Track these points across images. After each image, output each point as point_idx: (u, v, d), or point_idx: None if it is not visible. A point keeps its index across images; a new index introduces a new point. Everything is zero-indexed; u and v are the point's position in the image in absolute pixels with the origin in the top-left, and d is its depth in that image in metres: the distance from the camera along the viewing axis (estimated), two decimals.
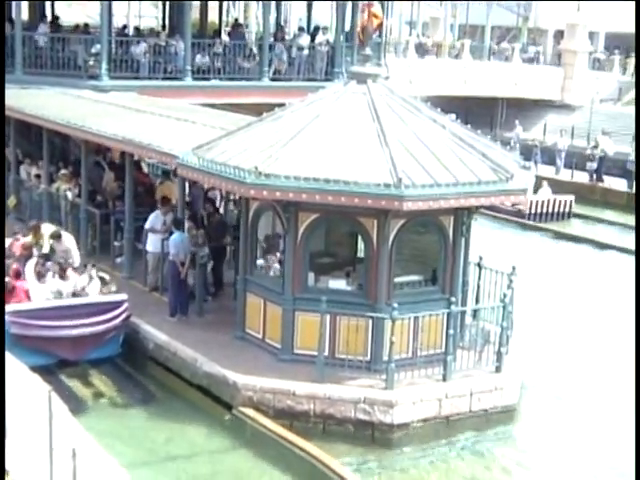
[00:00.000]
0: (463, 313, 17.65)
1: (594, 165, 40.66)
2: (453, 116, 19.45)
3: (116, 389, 17.18)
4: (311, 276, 16.78)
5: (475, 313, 18.24)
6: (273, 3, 34.78)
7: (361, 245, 17.37)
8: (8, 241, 19.58)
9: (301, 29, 33.75)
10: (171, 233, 19.13)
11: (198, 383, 16.79)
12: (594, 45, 59.47)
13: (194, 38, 29.98)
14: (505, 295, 17.09)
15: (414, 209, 15.57)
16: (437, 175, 15.71)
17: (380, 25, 18.94)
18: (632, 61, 55.98)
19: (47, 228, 20.79)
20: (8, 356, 12.75)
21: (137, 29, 35.92)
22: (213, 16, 39.29)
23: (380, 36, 31.31)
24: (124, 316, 17.94)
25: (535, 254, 29.19)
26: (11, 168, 26.22)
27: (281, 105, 18.33)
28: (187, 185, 22.17)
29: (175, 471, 14.56)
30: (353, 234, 17.86)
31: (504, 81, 50.08)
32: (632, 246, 29.94)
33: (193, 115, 22.81)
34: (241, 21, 48.55)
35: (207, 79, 29.68)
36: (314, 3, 37.75)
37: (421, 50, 52.99)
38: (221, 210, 22.85)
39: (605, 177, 40.67)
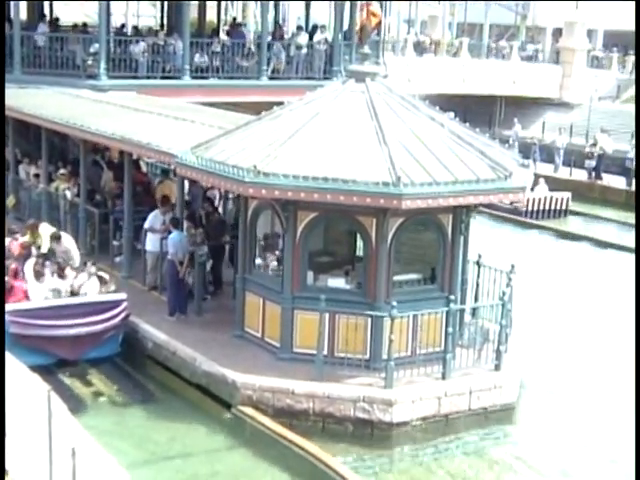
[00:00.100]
0: (462, 311, 17.66)
1: (593, 163, 40.65)
2: (451, 114, 19.47)
3: (115, 388, 17.18)
4: (310, 275, 16.79)
5: (474, 311, 18.24)
6: (271, 2, 34.76)
7: (360, 244, 17.36)
8: (7, 241, 19.56)
9: (299, 28, 33.74)
10: (170, 232, 19.12)
11: (197, 382, 16.79)
12: (592, 43, 59.44)
13: (192, 37, 29.96)
14: (504, 293, 17.10)
15: (413, 207, 15.57)
16: (436, 173, 15.71)
17: (379, 24, 19.00)
18: (631, 59, 55.98)
19: (45, 228, 20.79)
20: (7, 356, 12.75)
21: (135, 28, 35.89)
22: (211, 15, 39.28)
23: (378, 34, 31.39)
24: (123, 315, 17.94)
25: (532, 252, 29.15)
26: (10, 168, 26.21)
27: (280, 104, 18.33)
28: (187, 184, 22.20)
29: (174, 470, 14.56)
30: (352, 233, 17.86)
31: (502, 79, 50.07)
32: (630, 244, 29.97)
33: (192, 114, 22.81)
34: (239, 20, 48.50)
35: (205, 78, 29.67)
36: (312, 2, 37.73)
37: (419, 48, 53.00)
38: (220, 209, 22.84)
39: (604, 175, 40.65)
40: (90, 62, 28.55)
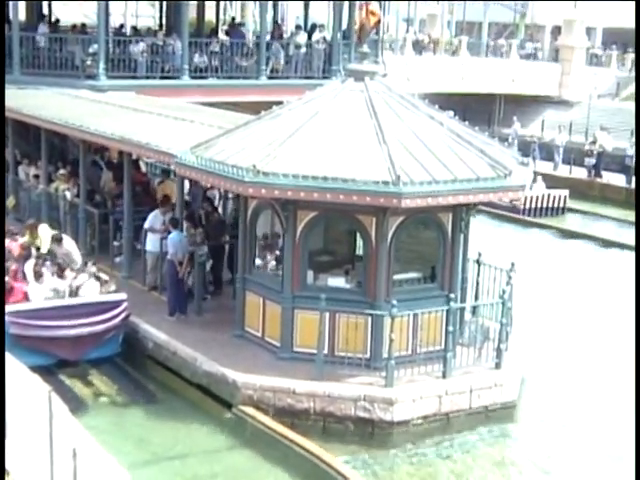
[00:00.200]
0: (462, 310, 17.65)
1: (592, 161, 40.65)
2: (451, 113, 19.45)
3: (116, 389, 17.18)
4: (310, 274, 16.78)
5: (474, 310, 18.22)
6: (270, 2, 34.76)
7: (360, 243, 17.36)
8: (6, 241, 19.55)
9: (298, 27, 33.74)
10: (169, 232, 19.12)
11: (198, 382, 16.79)
12: (592, 41, 59.45)
13: (191, 37, 29.96)
14: (504, 291, 17.10)
15: (412, 206, 15.58)
16: (435, 172, 15.71)
17: (377, 22, 19.01)
18: (630, 56, 56.02)
19: (44, 229, 20.79)
20: (8, 356, 12.75)
21: (134, 28, 35.89)
22: (210, 15, 39.26)
23: (377, 33, 31.39)
24: (123, 315, 17.94)
25: (530, 250, 29.14)
26: (9, 168, 26.20)
27: (279, 103, 18.32)
28: (188, 184, 22.21)
29: (175, 470, 14.56)
30: (352, 232, 17.86)
31: (502, 78, 50.09)
32: (629, 241, 29.99)
33: (191, 114, 22.82)
34: (238, 20, 48.49)
35: (205, 78, 29.68)
36: (311, 2, 37.74)
37: (418, 47, 53.00)
38: (220, 209, 22.83)
39: (603, 173, 40.66)
40: (89, 62, 28.57)
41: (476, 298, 18.68)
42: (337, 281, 16.87)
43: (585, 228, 33.68)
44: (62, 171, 24.50)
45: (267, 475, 14.52)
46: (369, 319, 16.19)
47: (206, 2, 37.47)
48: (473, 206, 17.00)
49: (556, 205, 35.76)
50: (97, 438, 11.90)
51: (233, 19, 45.15)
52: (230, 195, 22.32)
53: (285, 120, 17.07)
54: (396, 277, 16.55)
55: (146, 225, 20.25)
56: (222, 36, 33.42)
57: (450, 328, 16.18)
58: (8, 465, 11.49)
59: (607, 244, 31.31)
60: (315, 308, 15.96)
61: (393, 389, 15.71)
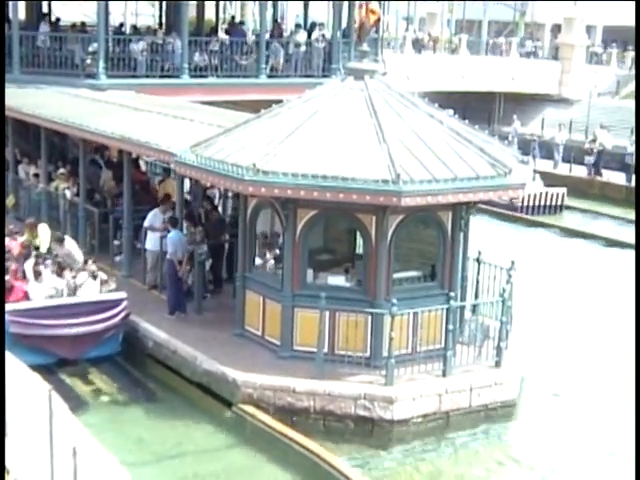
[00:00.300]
0: (462, 308, 17.66)
1: (592, 159, 40.63)
2: (451, 111, 19.45)
3: (116, 387, 17.19)
4: (310, 272, 16.79)
5: (474, 308, 18.24)
6: (270, 1, 34.75)
7: (360, 241, 17.36)
8: (6, 240, 19.55)
9: (298, 26, 33.73)
10: (169, 231, 19.11)
11: (198, 381, 16.79)
12: (591, 39, 59.44)
13: (191, 36, 29.94)
14: (504, 290, 17.10)
15: (412, 205, 15.59)
16: (435, 171, 15.71)
17: (377, 21, 18.91)
18: (630, 54, 55.99)
19: (44, 228, 20.80)
20: (8, 355, 12.75)
21: (134, 27, 35.88)
22: (210, 14, 39.25)
23: (377, 32, 31.32)
24: (123, 314, 17.95)
25: (528, 247, 29.11)
26: (9, 167, 26.20)
27: (279, 102, 18.33)
28: (189, 183, 22.21)
29: (175, 469, 14.56)
30: (352, 230, 17.87)
31: (502, 76, 50.06)
32: (627, 239, 30.01)
33: (191, 113, 22.81)
34: (238, 18, 48.47)
35: (204, 77, 29.66)
36: (311, 0, 37.70)
37: (418, 46, 52.99)
38: (220, 208, 22.83)
39: (603, 171, 40.65)
40: (89, 61, 28.54)
41: (476, 296, 18.69)
42: (337, 280, 16.87)
43: (583, 226, 33.60)
44: (62, 170, 24.51)
45: (267, 474, 14.53)
46: (369, 317, 16.19)
47: (206, 1, 37.45)
48: (473, 205, 17.01)
49: (554, 203, 35.74)
50: (97, 437, 11.91)
51: (233, 18, 45.14)
52: (230, 194, 22.32)
53: (285, 119, 17.07)
54: (396, 276, 16.55)
55: (146, 223, 20.26)
56: (222, 35, 33.41)
57: (450, 327, 16.18)
58: (8, 464, 11.50)
59: (602, 241, 31.26)
60: (315, 307, 15.95)
61: (393, 387, 15.71)
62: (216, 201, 22.77)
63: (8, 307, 16.86)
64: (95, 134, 21.48)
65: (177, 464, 14.71)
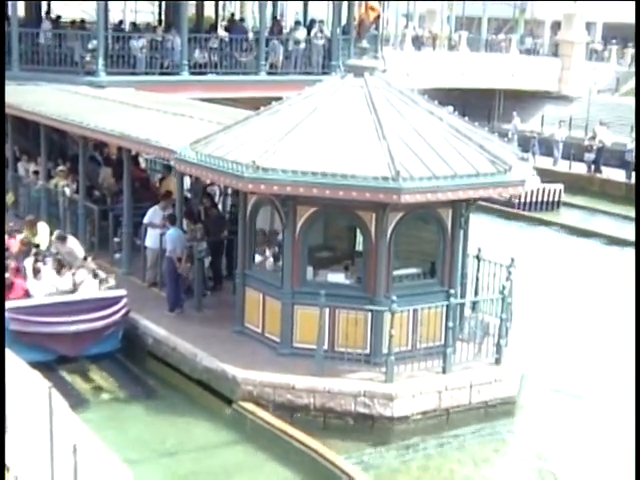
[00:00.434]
0: (462, 305, 17.65)
1: (592, 156, 40.64)
2: (450, 108, 19.46)
3: (116, 384, 17.19)
4: (310, 270, 16.78)
5: (474, 305, 18.24)
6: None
7: (360, 238, 17.35)
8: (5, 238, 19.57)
9: (298, 23, 33.72)
10: (167, 229, 19.10)
11: (198, 378, 16.80)
12: (591, 36, 59.43)
13: (191, 33, 29.94)
14: (504, 287, 17.10)
15: (412, 202, 15.57)
16: (435, 168, 15.70)
17: (377, 18, 18.94)
18: (630, 51, 55.99)
19: (43, 227, 20.79)
20: (8, 353, 12.75)
21: (134, 24, 35.86)
22: (209, 11, 39.23)
23: (377, 29, 31.33)
24: (123, 312, 17.95)
25: (526, 244, 29.12)
26: (9, 165, 26.19)
27: (278, 99, 18.32)
28: (190, 180, 22.21)
29: (175, 466, 14.57)
30: (351, 227, 17.84)
31: (501, 73, 50.05)
32: (626, 237, 30.01)
33: (190, 110, 22.80)
34: (237, 16, 48.45)
35: (204, 74, 29.66)
36: None
37: (418, 42, 52.96)
38: (220, 205, 22.81)
39: (603, 168, 40.63)
40: (88, 58, 28.54)
41: (476, 293, 18.69)
42: (337, 277, 16.87)
43: (580, 223, 33.62)
44: (61, 167, 24.48)
45: (267, 471, 14.53)
46: (369, 315, 16.19)
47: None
48: (473, 202, 17.00)
49: (551, 199, 35.75)
50: (97, 434, 11.90)
51: (232, 15, 45.13)
52: (229, 191, 22.31)
53: (284, 116, 17.06)
54: (396, 273, 16.55)
55: (145, 220, 20.25)
56: (221, 32, 33.40)
57: (450, 324, 16.19)
58: (8, 461, 11.49)
59: (599, 238, 31.23)
60: (315, 304, 15.96)
61: (393, 384, 15.71)
62: (216, 198, 22.76)
63: (8, 304, 16.85)
64: (95, 131, 21.47)
65: (177, 461, 14.72)
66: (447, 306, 16.28)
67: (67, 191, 23.53)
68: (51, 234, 20.42)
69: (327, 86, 17.83)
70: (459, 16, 63.12)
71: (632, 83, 50.23)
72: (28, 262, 18.35)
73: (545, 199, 35.53)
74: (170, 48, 29.41)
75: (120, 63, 28.57)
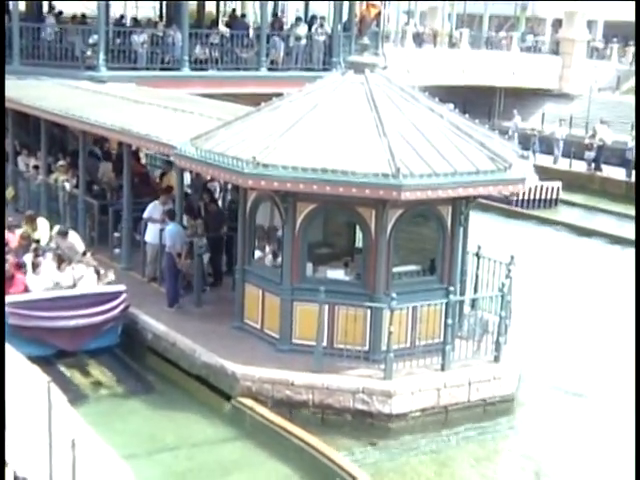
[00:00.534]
0: (461, 303, 17.66)
1: (592, 154, 40.63)
2: (451, 106, 19.42)
3: (115, 379, 17.19)
4: (309, 266, 16.78)
5: (473, 303, 18.22)
6: None
7: (359, 235, 17.35)
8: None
9: (299, 19, 33.69)
10: (167, 224, 19.10)
11: (197, 373, 16.80)
12: (592, 34, 59.41)
13: (192, 28, 29.92)
14: (503, 284, 17.10)
15: (412, 199, 15.57)
16: (435, 165, 15.70)
17: (378, 15, 18.94)
18: (630, 49, 55.97)
19: (42, 222, 20.78)
20: (7, 347, 12.77)
21: (135, 19, 35.84)
22: (211, 7, 39.19)
23: (378, 26, 31.34)
24: (123, 307, 17.95)
25: (524, 241, 29.08)
26: (9, 159, 26.18)
27: (279, 95, 18.32)
28: (190, 176, 22.18)
29: (173, 461, 14.56)
30: (351, 224, 17.85)
31: (502, 70, 50.04)
32: (624, 234, 30.01)
33: (191, 105, 22.79)
34: (238, 11, 48.40)
35: (205, 69, 29.65)
36: None
37: (419, 39, 52.94)
38: (220, 201, 22.80)
39: (603, 166, 40.61)
40: (89, 53, 28.54)
41: (475, 291, 18.69)
42: (336, 273, 16.87)
43: (578, 221, 33.59)
44: (62, 162, 24.48)
45: (265, 467, 14.53)
46: (368, 311, 16.19)
47: None
48: (473, 199, 16.99)
49: (549, 197, 35.74)
50: (96, 428, 11.94)
51: (234, 10, 45.05)
52: (229, 186, 22.31)
53: (285, 112, 17.06)
54: (395, 270, 16.55)
55: (145, 215, 20.24)
56: (222, 28, 33.36)
57: (449, 321, 16.19)
58: (6, 456, 11.49)
59: (598, 236, 31.22)
60: (314, 300, 15.96)
61: (392, 382, 15.71)
62: (217, 194, 22.75)
63: (7, 299, 16.85)
64: (95, 126, 21.46)
65: (175, 456, 14.71)
66: (446, 303, 16.27)
67: (67, 186, 23.52)
68: (51, 229, 20.43)
69: (328, 82, 17.81)
70: (460, 13, 63.12)
71: (633, 81, 50.21)
72: (28, 257, 18.33)
73: (543, 197, 35.51)
74: (171, 43, 29.39)
75: (121, 58, 28.56)
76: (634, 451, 12.93)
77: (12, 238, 19.53)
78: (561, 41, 53.36)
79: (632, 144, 39.40)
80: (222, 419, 15.87)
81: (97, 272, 18.44)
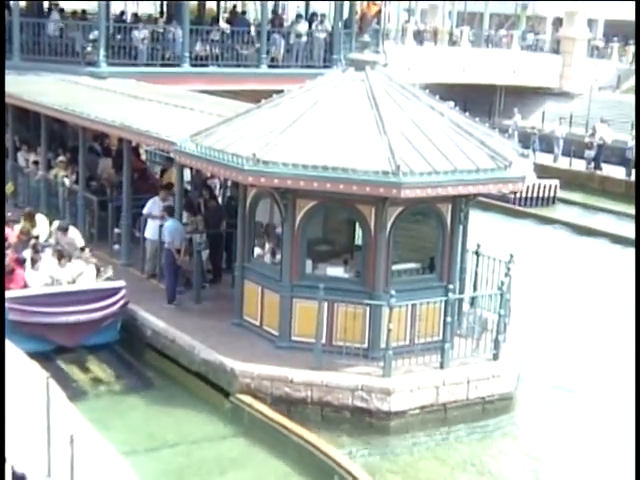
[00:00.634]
0: (461, 301, 17.67)
1: (592, 153, 40.64)
2: (451, 103, 19.43)
3: (114, 376, 17.18)
4: (309, 263, 16.78)
5: (473, 301, 18.24)
6: None
7: (359, 232, 17.35)
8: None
9: (299, 16, 33.69)
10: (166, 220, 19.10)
11: (196, 370, 16.80)
12: (593, 33, 59.41)
13: (192, 25, 29.92)
14: (502, 282, 17.10)
15: (412, 197, 15.58)
16: (435, 163, 15.69)
17: (378, 12, 18.94)
18: (631, 49, 55.96)
19: (42, 218, 20.77)
20: (6, 343, 12.77)
21: (135, 15, 35.84)
22: (211, 3, 39.18)
23: (378, 23, 31.33)
24: (122, 303, 17.95)
25: (522, 239, 29.07)
26: (9, 155, 26.18)
27: (279, 92, 18.30)
28: (190, 172, 22.16)
29: (172, 458, 14.56)
30: (351, 221, 17.85)
31: (503, 69, 50.05)
32: (625, 233, 30.01)
33: (191, 102, 22.78)
34: (239, 8, 48.38)
35: (205, 66, 29.65)
36: None
37: (419, 37, 52.94)
38: (220, 197, 22.79)
39: (603, 165, 40.63)
40: (89, 49, 28.53)
41: (474, 289, 18.70)
42: (336, 271, 16.87)
43: (576, 219, 33.54)
44: (61, 158, 24.48)
45: (264, 463, 14.53)
46: (367, 309, 16.19)
47: None
48: (472, 197, 16.99)
49: (546, 195, 35.72)
50: (94, 425, 11.94)
51: (234, 7, 45.04)
52: (229, 183, 22.30)
53: (285, 109, 17.05)
54: (395, 267, 16.55)
55: (145, 211, 20.24)
56: (223, 24, 33.36)
57: (448, 319, 16.19)
58: (5, 452, 11.50)
59: (597, 235, 31.21)
60: (314, 297, 15.96)
61: (391, 379, 15.71)
62: (217, 191, 22.74)
63: (7, 294, 16.84)
64: (95, 122, 21.44)
65: (174, 453, 14.70)
66: (445, 301, 16.28)
67: (66, 182, 23.52)
68: (50, 225, 20.41)
69: (328, 80, 17.81)
70: (461, 11, 63.09)
71: (633, 80, 50.21)
72: (27, 253, 18.32)
73: (541, 195, 35.50)
74: (171, 40, 29.41)
75: (121, 54, 28.56)
76: (634, 449, 12.94)
77: (11, 233, 19.53)
78: (562, 40, 53.36)
79: (632, 143, 39.43)
80: (221, 416, 15.88)
81: (97, 269, 18.44)
